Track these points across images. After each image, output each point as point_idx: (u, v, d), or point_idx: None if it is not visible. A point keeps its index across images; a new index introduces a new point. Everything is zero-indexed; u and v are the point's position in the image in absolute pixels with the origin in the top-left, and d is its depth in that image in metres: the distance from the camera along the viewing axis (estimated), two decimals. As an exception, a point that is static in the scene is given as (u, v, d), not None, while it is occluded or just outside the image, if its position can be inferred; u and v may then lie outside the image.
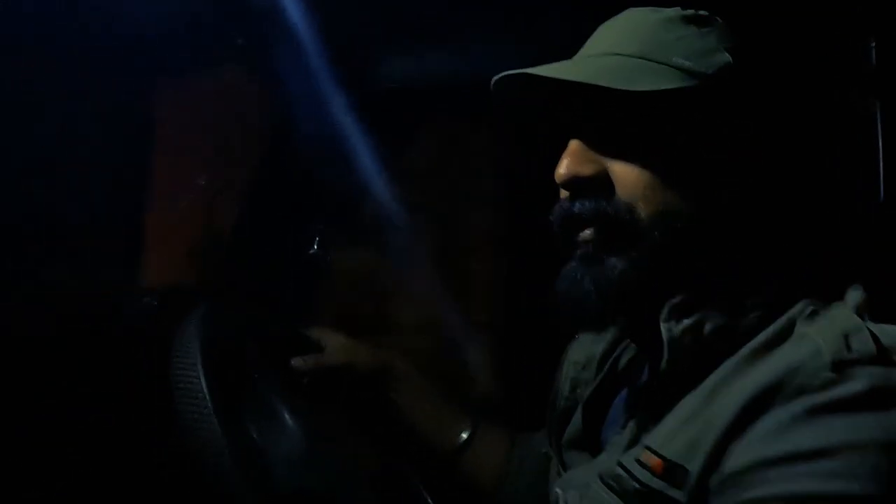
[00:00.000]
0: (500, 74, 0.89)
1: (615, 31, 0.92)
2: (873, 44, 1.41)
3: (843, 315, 0.82)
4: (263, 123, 1.41)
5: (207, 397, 0.95)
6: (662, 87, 0.83)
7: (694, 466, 0.77)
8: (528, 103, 0.94)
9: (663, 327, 0.85)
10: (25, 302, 1.13)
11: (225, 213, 1.38)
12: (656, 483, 0.79)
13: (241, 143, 1.38)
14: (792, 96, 0.95)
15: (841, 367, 0.75)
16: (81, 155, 1.20)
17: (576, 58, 0.93)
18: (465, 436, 1.20)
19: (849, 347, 0.77)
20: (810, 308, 0.84)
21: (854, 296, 0.85)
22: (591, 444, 0.98)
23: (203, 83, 1.30)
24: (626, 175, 0.86)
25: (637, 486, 0.81)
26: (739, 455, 0.75)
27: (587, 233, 0.88)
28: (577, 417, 1.01)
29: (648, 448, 0.82)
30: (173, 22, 1.19)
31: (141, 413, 1.14)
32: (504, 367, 1.30)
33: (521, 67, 0.88)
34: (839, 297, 0.86)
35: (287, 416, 1.09)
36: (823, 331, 0.79)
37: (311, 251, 1.53)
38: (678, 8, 0.91)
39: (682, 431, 0.81)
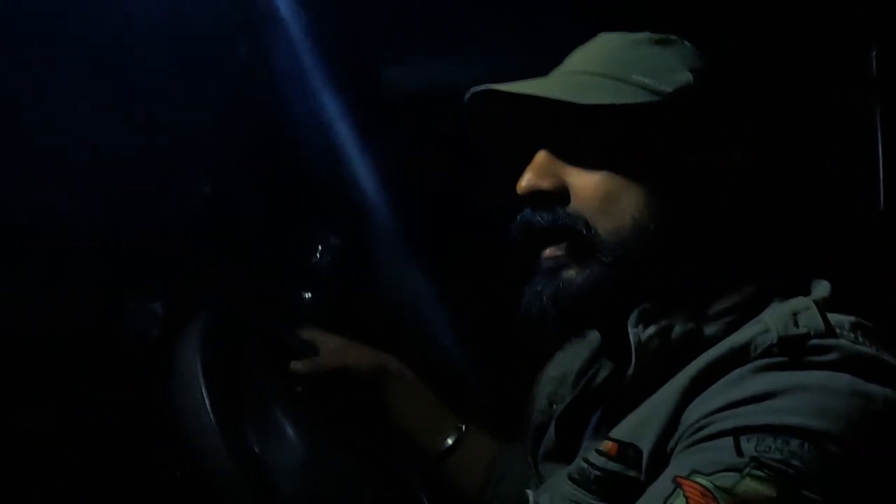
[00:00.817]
0: (471, 90, 0.92)
1: (585, 52, 0.96)
2: (874, 49, 1.42)
3: (796, 300, 0.84)
4: (268, 125, 1.42)
5: (211, 415, 0.96)
6: (616, 102, 0.86)
7: (645, 444, 0.80)
8: (500, 117, 0.96)
9: (631, 333, 0.86)
10: (27, 305, 1.13)
11: (229, 217, 1.39)
12: (612, 465, 0.82)
13: (245, 145, 1.39)
14: (771, 108, 0.97)
15: (787, 342, 0.78)
16: (84, 154, 1.21)
17: (548, 76, 0.96)
18: (450, 441, 1.21)
19: (796, 324, 0.79)
20: (784, 310, 0.84)
21: (818, 289, 0.87)
22: (567, 457, 0.97)
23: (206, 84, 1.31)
24: (584, 188, 0.89)
25: (597, 472, 0.82)
26: (690, 414, 0.78)
27: (548, 248, 0.90)
28: (551, 432, 1.02)
29: (609, 438, 0.84)
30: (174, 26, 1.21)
31: (144, 418, 1.15)
32: (498, 371, 1.30)
33: (512, 75, 0.91)
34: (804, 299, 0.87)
35: (288, 427, 1.10)
36: (773, 314, 0.82)
37: (315, 259, 1.53)
38: (648, 32, 0.94)
39: (635, 415, 0.83)
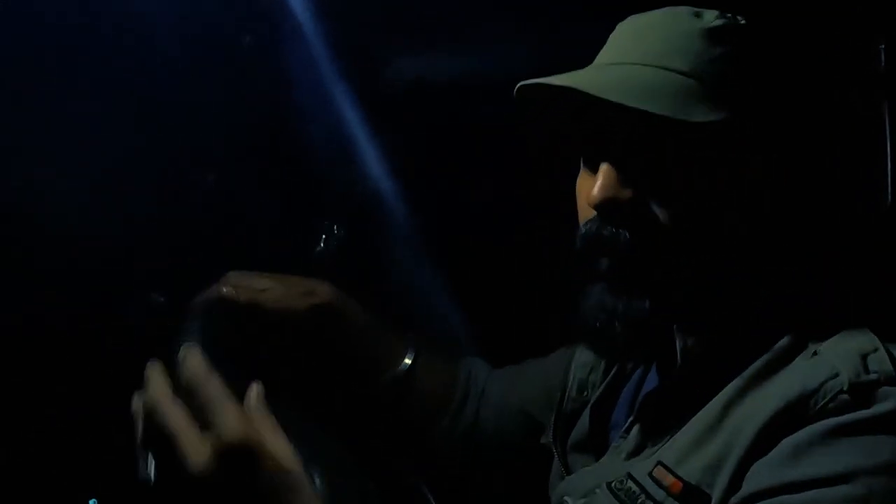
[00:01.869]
0: (529, 82, 0.84)
1: (657, 33, 0.86)
2: (882, 46, 1.41)
3: (859, 333, 0.80)
4: (271, 117, 1.40)
5: None
6: (717, 118, 0.80)
7: (715, 492, 0.77)
8: (552, 112, 0.89)
9: (678, 337, 0.85)
10: (28, 299, 1.13)
11: (232, 208, 1.38)
12: (672, 503, 0.79)
13: (249, 137, 1.38)
14: (816, 107, 0.94)
15: (858, 390, 0.75)
16: (86, 148, 1.20)
17: (609, 63, 0.88)
18: (408, 361, 1.18)
19: (866, 369, 0.76)
20: (828, 321, 0.83)
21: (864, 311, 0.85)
22: (597, 447, 0.97)
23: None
24: (667, 204, 0.82)
25: (650, 503, 0.80)
26: (759, 478, 0.75)
27: (617, 260, 0.84)
28: (585, 420, 1.01)
29: (662, 464, 0.82)
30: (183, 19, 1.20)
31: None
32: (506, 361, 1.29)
33: (535, 68, 0.85)
34: (851, 308, 0.86)
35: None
36: (839, 350, 0.78)
37: (318, 249, 1.53)
38: (718, 13, 0.86)
39: (699, 451, 0.80)
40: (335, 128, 1.42)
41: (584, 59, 0.92)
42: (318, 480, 1.06)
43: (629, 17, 0.90)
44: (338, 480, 1.08)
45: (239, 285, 1.09)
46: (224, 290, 1.08)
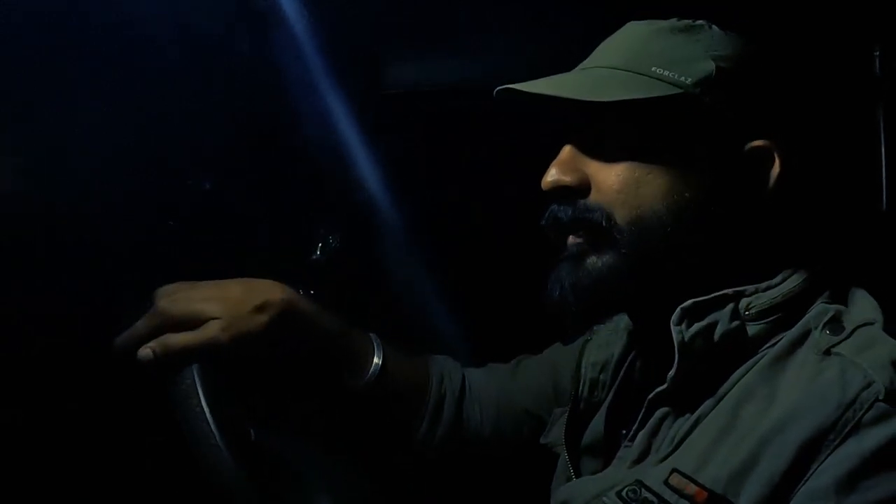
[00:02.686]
0: (496, 90, 0.94)
1: (610, 44, 0.96)
2: (877, 51, 1.42)
3: (881, 337, 0.82)
4: (267, 121, 1.40)
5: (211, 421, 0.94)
6: (631, 97, 0.86)
7: (742, 501, 0.77)
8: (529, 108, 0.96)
9: (674, 331, 0.85)
10: (19, 302, 1.12)
11: (228, 214, 1.38)
12: None
13: (244, 141, 1.38)
14: (793, 101, 0.95)
15: (894, 397, 0.76)
16: (80, 150, 1.19)
17: (572, 71, 0.96)
18: (378, 360, 1.10)
19: None
20: (831, 312, 0.85)
21: (866, 305, 0.87)
22: (609, 451, 0.96)
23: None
24: (604, 182, 0.90)
25: None
26: (813, 496, 0.75)
27: (571, 238, 0.92)
28: (599, 421, 1.00)
29: (679, 472, 0.81)
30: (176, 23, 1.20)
31: (139, 418, 1.14)
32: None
33: (517, 70, 0.94)
34: (847, 300, 0.88)
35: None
36: (868, 358, 0.79)
37: (314, 256, 1.53)
38: (674, 19, 0.94)
39: (718, 456, 0.80)
40: (330, 132, 1.43)
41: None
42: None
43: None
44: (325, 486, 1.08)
45: (174, 318, 0.96)
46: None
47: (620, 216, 0.88)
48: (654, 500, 0.81)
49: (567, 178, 0.91)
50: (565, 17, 1.35)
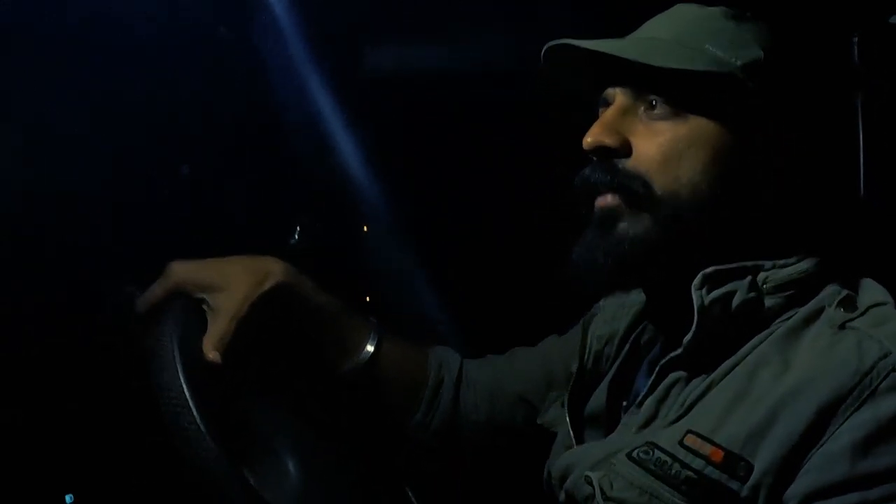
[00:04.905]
0: (548, 44, 0.94)
1: (660, 20, 0.98)
2: (855, 39, 1.43)
3: (894, 315, 0.85)
4: (248, 109, 1.39)
5: (194, 411, 0.94)
6: (686, 67, 0.88)
7: (760, 463, 0.79)
8: (572, 72, 0.98)
9: (695, 295, 0.87)
10: (21, 304, 1.11)
11: (206, 201, 1.36)
12: (713, 472, 0.80)
13: (224, 129, 1.37)
14: (817, 93, 0.99)
15: None
16: (62, 140, 1.18)
17: (623, 38, 0.97)
18: (370, 348, 1.14)
19: None
20: (844, 293, 0.88)
21: (875, 290, 0.89)
22: (610, 421, 0.98)
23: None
24: (646, 150, 0.91)
25: (689, 472, 0.81)
26: (829, 469, 0.78)
27: (604, 198, 0.92)
28: (602, 393, 1.02)
29: (694, 433, 0.83)
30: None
31: (122, 407, 1.13)
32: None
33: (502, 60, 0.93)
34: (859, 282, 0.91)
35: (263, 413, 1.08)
36: (885, 331, 0.82)
37: (293, 242, 1.52)
38: (724, 6, 0.96)
39: (734, 418, 0.82)
40: (311, 118, 1.42)
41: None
42: (293, 467, 1.06)
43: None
44: (314, 467, 1.08)
45: (187, 282, 1.03)
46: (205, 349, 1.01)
47: (659, 185, 0.90)
48: (669, 459, 0.82)
49: (609, 140, 0.91)
50: (552, 4, 1.34)
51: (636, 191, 0.90)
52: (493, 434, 1.19)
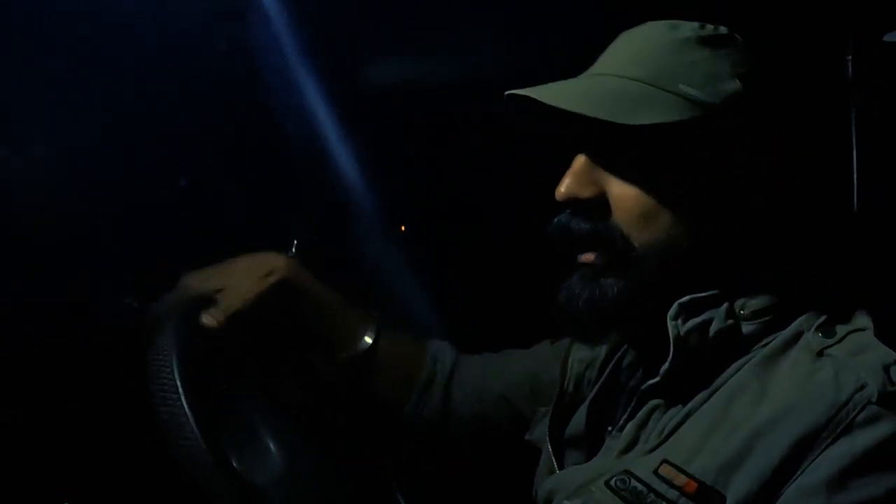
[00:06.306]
0: (508, 92, 0.91)
1: (630, 47, 0.92)
2: (849, 52, 1.44)
3: (872, 343, 0.84)
4: (246, 116, 1.39)
5: (191, 418, 0.94)
6: (662, 120, 0.84)
7: (734, 494, 0.78)
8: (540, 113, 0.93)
9: (670, 325, 0.86)
10: (20, 303, 1.11)
11: (205, 209, 1.37)
12: (685, 503, 0.79)
13: (222, 136, 1.37)
14: (799, 117, 0.97)
15: (887, 400, 0.78)
16: (59, 147, 1.18)
17: (585, 75, 0.94)
18: (369, 339, 1.17)
19: (891, 380, 0.79)
20: (822, 317, 0.86)
21: (859, 313, 0.88)
22: (592, 445, 0.98)
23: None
24: (623, 201, 0.88)
25: (663, 503, 0.80)
26: (805, 495, 0.76)
27: (586, 255, 0.91)
28: (581, 416, 1.01)
29: (669, 463, 0.82)
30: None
31: (120, 415, 1.13)
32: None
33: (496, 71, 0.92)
34: (838, 306, 0.89)
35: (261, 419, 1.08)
36: (861, 362, 0.81)
37: (290, 253, 1.52)
38: (697, 25, 0.91)
39: (708, 448, 0.81)
40: (309, 127, 1.42)
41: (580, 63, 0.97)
42: (277, 456, 1.07)
43: (622, 33, 0.95)
44: (297, 458, 1.08)
45: (199, 291, 1.08)
46: (205, 319, 1.06)
47: (638, 240, 0.88)
48: (644, 489, 0.81)
49: (583, 192, 0.89)
50: (550, 16, 1.35)
51: (616, 247, 0.88)
52: (480, 430, 1.20)
